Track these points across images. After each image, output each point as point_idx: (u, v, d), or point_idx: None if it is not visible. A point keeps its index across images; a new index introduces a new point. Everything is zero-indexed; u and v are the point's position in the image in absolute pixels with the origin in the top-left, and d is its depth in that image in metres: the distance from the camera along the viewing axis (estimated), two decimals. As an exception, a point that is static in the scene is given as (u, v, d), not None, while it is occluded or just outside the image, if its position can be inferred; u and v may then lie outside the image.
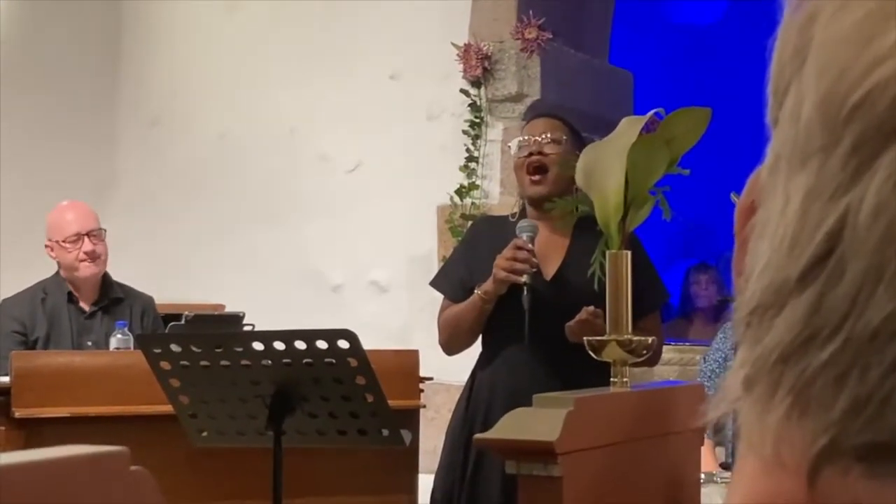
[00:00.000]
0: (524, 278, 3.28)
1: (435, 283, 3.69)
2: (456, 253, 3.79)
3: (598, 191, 2.70)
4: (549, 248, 3.47)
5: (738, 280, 0.51)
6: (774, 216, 0.48)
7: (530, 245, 3.33)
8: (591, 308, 3.15)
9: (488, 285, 3.36)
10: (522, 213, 3.56)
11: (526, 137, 3.53)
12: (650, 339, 2.73)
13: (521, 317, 3.28)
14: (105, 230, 4.68)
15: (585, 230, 3.31)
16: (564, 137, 3.48)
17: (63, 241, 4.55)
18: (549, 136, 3.48)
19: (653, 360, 3.34)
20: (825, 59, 0.46)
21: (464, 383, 3.65)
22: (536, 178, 3.46)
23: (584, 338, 2.75)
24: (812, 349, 0.45)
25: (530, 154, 3.46)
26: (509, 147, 3.67)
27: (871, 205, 0.44)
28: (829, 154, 0.45)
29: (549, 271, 3.46)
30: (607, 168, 2.67)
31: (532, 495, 2.32)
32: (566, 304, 3.34)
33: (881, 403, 0.43)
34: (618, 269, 2.70)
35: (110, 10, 7.21)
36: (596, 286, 2.95)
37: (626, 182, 2.68)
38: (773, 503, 0.49)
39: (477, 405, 3.50)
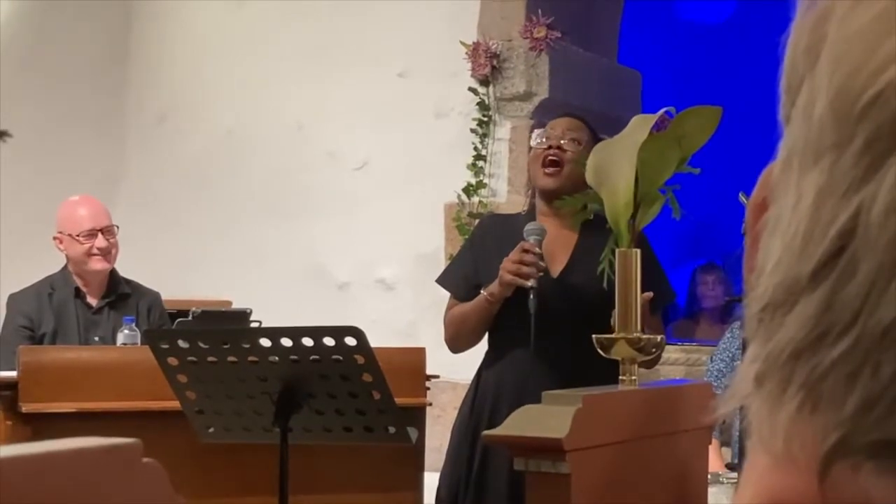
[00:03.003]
0: (530, 282, 3.27)
1: (441, 281, 3.69)
2: (463, 251, 3.78)
3: (608, 188, 2.70)
4: (556, 246, 3.47)
5: (750, 276, 0.51)
6: (787, 213, 0.48)
7: (537, 248, 3.31)
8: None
9: (494, 287, 3.35)
10: (531, 211, 3.56)
11: (548, 131, 3.52)
12: (659, 338, 2.73)
13: (527, 319, 3.27)
14: (118, 227, 4.69)
15: (594, 228, 3.31)
16: (585, 139, 3.47)
17: (76, 236, 4.56)
18: (570, 134, 3.48)
19: (652, 362, 3.33)
20: (838, 56, 0.46)
21: (470, 381, 3.65)
22: (550, 170, 3.45)
23: (593, 336, 2.75)
24: (824, 346, 0.45)
25: (549, 147, 3.46)
26: (531, 135, 3.66)
27: (884, 202, 0.44)
28: (841, 151, 0.45)
29: (556, 269, 3.46)
30: (618, 166, 2.67)
31: (540, 492, 2.32)
32: (572, 303, 3.34)
33: (893, 401, 0.43)
34: (627, 266, 2.70)
35: (119, 6, 7.21)
36: (605, 284, 2.94)
37: (637, 180, 2.68)
38: (783, 499, 0.49)
39: (482, 403, 3.50)
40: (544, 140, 3.49)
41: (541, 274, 3.29)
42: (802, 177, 0.47)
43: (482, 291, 3.39)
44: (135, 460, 0.82)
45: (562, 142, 3.45)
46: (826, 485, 0.45)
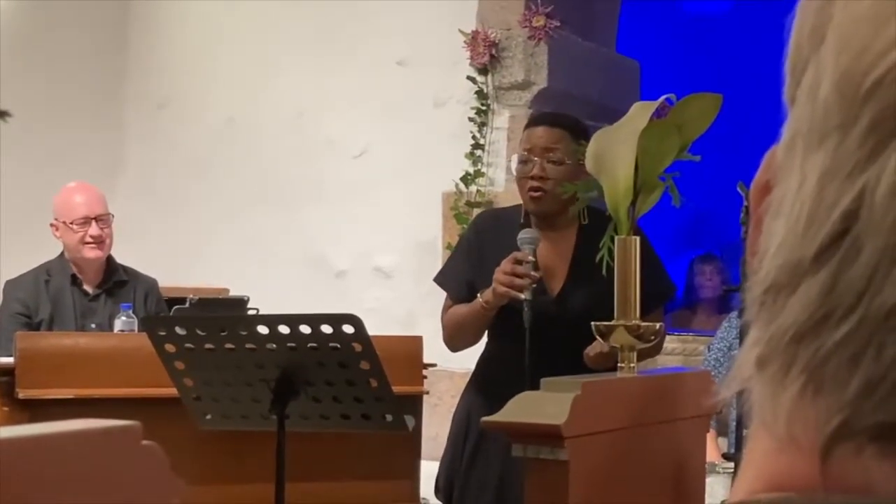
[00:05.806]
0: (524, 294, 3.23)
1: (438, 280, 3.65)
2: (459, 250, 3.71)
3: (608, 175, 2.70)
4: (553, 262, 3.44)
5: (753, 259, 0.51)
6: (790, 195, 0.48)
7: (530, 257, 3.27)
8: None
9: (489, 295, 3.31)
10: (527, 212, 3.51)
11: (525, 154, 3.45)
12: (658, 325, 2.72)
13: (523, 330, 3.23)
14: (112, 216, 4.68)
15: (591, 232, 3.27)
16: (567, 161, 3.40)
17: (70, 223, 4.55)
18: (550, 155, 3.41)
19: (654, 350, 3.30)
20: (844, 37, 0.46)
21: (467, 370, 3.64)
22: (536, 195, 3.42)
23: (592, 322, 2.74)
24: (827, 328, 0.45)
25: (531, 177, 3.41)
26: (510, 162, 3.62)
27: (888, 184, 0.44)
28: (846, 132, 0.45)
29: (555, 286, 3.43)
30: (618, 153, 2.67)
31: (538, 478, 2.32)
32: (572, 320, 3.26)
33: (895, 383, 0.43)
34: (626, 254, 2.69)
35: (118, -6, 7.21)
36: (604, 271, 2.92)
37: (637, 167, 2.67)
38: (785, 482, 0.49)
39: (482, 392, 3.49)
40: (524, 165, 3.43)
41: (534, 285, 3.25)
42: (806, 158, 0.47)
43: (478, 296, 3.37)
44: (134, 443, 0.82)
45: (545, 167, 3.39)
46: (828, 468, 0.45)
